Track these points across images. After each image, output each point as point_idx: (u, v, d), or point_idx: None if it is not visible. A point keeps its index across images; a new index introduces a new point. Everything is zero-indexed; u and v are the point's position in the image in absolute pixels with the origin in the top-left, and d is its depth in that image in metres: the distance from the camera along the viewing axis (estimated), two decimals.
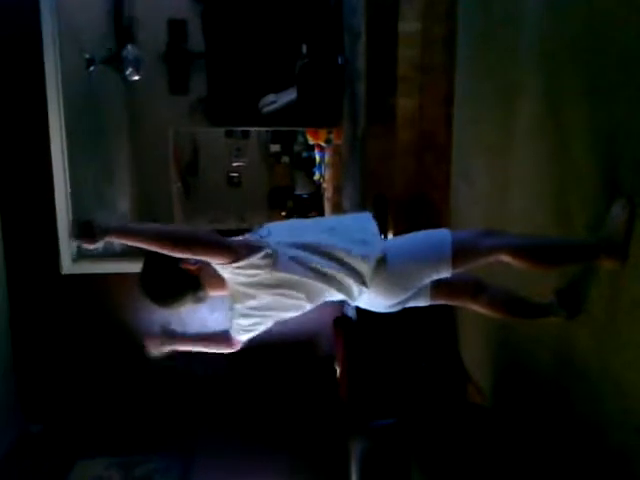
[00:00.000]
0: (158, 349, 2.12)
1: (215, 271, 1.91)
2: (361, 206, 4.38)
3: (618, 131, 1.88)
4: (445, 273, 1.99)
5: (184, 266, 1.92)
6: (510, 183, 2.79)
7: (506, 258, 1.94)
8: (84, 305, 4.39)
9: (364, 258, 1.93)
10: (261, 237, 1.92)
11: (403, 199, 3.98)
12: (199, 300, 2.00)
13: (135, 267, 4.45)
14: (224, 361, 4.47)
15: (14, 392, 4.31)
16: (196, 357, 4.47)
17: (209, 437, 4.12)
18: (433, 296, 2.15)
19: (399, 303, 2.08)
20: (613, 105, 1.91)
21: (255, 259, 1.84)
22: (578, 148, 2.13)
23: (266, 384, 4.45)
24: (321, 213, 9.65)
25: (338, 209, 7.23)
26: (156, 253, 1.91)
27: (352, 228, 2.05)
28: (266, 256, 1.85)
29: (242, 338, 2.09)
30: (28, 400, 4.38)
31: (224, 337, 2.14)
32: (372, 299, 2.05)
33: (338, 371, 3.94)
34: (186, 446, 4.06)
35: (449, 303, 2.30)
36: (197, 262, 1.92)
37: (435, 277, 2.02)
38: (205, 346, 2.19)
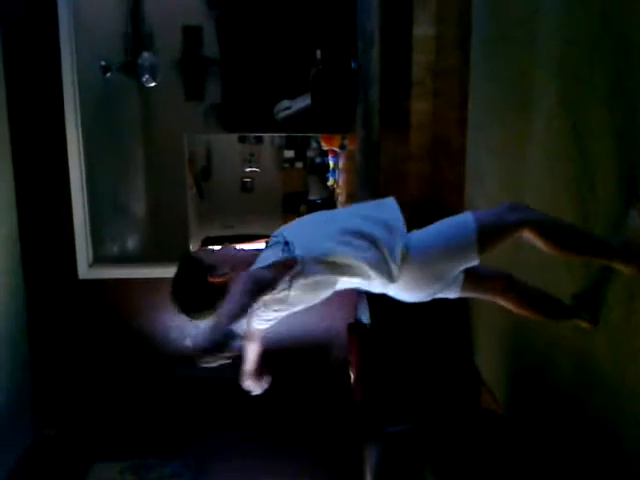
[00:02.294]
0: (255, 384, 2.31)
1: None
2: None
3: (637, 134, 1.87)
4: (473, 259, 1.93)
5: (211, 279, 1.93)
6: (525, 186, 2.78)
7: (530, 235, 1.90)
8: (100, 310, 4.42)
9: (390, 251, 1.89)
10: (284, 251, 1.91)
11: (417, 203, 3.97)
12: None
13: (151, 272, 4.51)
14: (237, 365, 4.50)
15: (30, 396, 4.35)
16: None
17: (223, 441, 4.13)
18: (464, 288, 2.08)
19: (428, 295, 2.03)
20: (632, 108, 1.89)
21: (288, 279, 1.87)
22: (594, 152, 2.11)
23: (280, 389, 4.44)
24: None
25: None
26: (186, 265, 2.00)
27: (375, 218, 2.01)
28: (296, 273, 1.88)
29: (260, 327, 2.11)
30: (44, 404, 4.41)
31: (255, 338, 2.19)
32: (399, 292, 2.02)
33: (352, 377, 3.93)
34: (200, 450, 4.07)
35: (478, 296, 2.24)
36: (223, 274, 1.94)
37: (464, 265, 1.95)
38: (258, 355, 2.28)
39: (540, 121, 2.60)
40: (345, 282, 2.00)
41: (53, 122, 4.16)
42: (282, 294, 1.91)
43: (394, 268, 1.90)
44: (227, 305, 1.71)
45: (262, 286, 1.79)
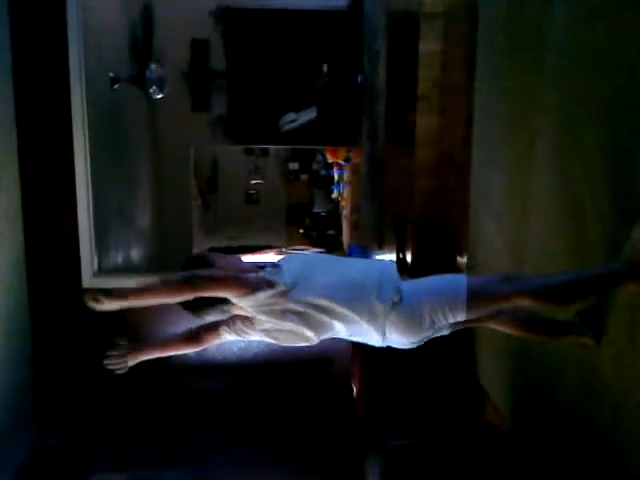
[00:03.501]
0: (123, 363, 2.29)
1: None
2: (379, 224, 4.39)
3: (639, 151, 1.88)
4: (460, 317, 1.98)
5: None
6: (529, 203, 2.78)
7: (527, 303, 1.92)
8: (104, 319, 4.41)
9: (381, 301, 1.96)
10: (271, 273, 2.01)
11: (422, 218, 3.97)
12: (224, 313, 2.05)
13: None
14: (239, 377, 4.50)
15: (31, 405, 4.35)
16: (210, 373, 4.50)
17: (224, 453, 4.11)
18: (455, 326, 2.12)
19: (421, 340, 2.08)
20: (635, 126, 1.90)
21: (270, 293, 1.95)
22: (599, 170, 2.12)
23: (282, 401, 4.44)
24: (339, 231, 9.68)
25: (356, 227, 7.24)
26: (192, 264, 2.04)
27: (367, 270, 2.08)
28: (281, 292, 1.96)
29: (226, 335, 2.15)
30: (45, 413, 4.40)
31: (192, 337, 2.24)
32: (395, 339, 2.06)
33: (355, 390, 3.92)
34: (200, 462, 4.05)
35: (471, 326, 2.28)
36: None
37: (451, 320, 2.00)
38: (174, 350, 2.34)
39: (545, 138, 2.61)
40: (338, 331, 2.05)
41: (60, 131, 4.19)
42: (249, 311, 1.98)
43: (382, 313, 1.96)
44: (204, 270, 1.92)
45: (228, 279, 1.92)
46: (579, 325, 2.15)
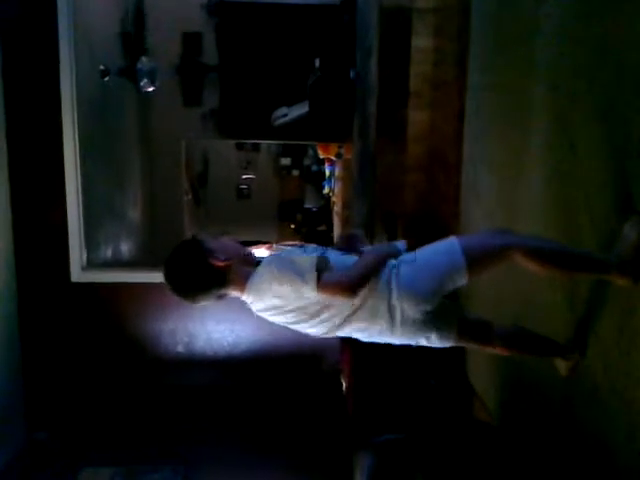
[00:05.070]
0: None
1: (241, 271, 1.94)
2: (370, 221, 4.39)
3: (632, 149, 1.88)
4: (462, 281, 1.94)
5: (212, 261, 1.91)
6: (520, 200, 2.79)
7: (518, 258, 1.92)
8: (92, 313, 4.41)
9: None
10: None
11: (412, 214, 3.98)
12: (220, 297, 1.99)
13: (144, 277, 4.50)
14: (229, 373, 4.50)
15: (21, 399, 4.33)
16: (200, 368, 4.50)
17: (213, 448, 4.11)
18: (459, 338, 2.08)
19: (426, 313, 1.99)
20: (627, 123, 1.91)
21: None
22: (590, 166, 2.13)
23: (271, 397, 4.44)
24: (330, 226, 9.68)
25: (347, 223, 7.24)
26: (187, 245, 1.98)
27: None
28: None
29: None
30: (35, 407, 4.39)
31: None
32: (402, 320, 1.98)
33: (345, 385, 3.92)
34: (190, 457, 4.05)
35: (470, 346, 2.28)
36: (226, 259, 1.92)
37: (451, 287, 1.96)
38: None
39: (536, 135, 2.62)
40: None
41: (50, 124, 4.16)
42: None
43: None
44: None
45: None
46: (565, 346, 2.19)
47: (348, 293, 1.86)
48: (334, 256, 1.98)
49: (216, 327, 4.48)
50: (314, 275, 1.84)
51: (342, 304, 1.91)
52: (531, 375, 2.69)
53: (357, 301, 1.91)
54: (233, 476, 3.84)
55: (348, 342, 3.86)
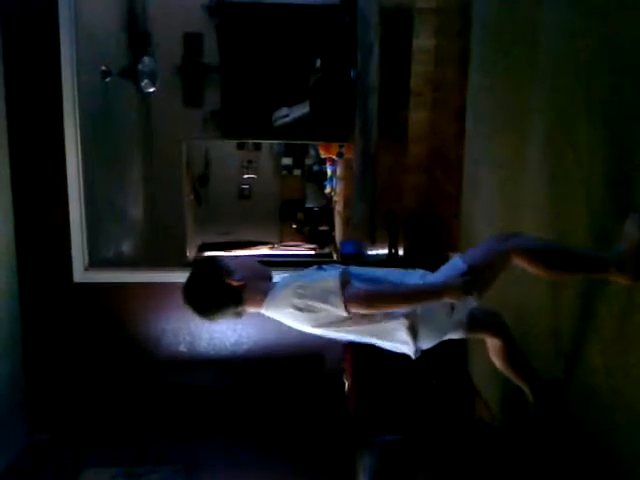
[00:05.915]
0: None
1: (257, 289, 1.96)
2: (371, 220, 4.39)
3: (633, 148, 1.88)
4: (472, 301, 1.95)
5: (228, 281, 1.95)
6: (521, 200, 2.79)
7: (520, 261, 1.91)
8: (94, 314, 4.41)
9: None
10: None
11: (414, 214, 3.98)
12: (237, 315, 2.01)
13: (147, 277, 4.50)
14: (232, 373, 4.50)
15: (22, 400, 4.33)
16: (202, 368, 4.50)
17: (215, 449, 4.11)
18: (469, 331, 2.14)
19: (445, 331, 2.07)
20: (628, 123, 1.91)
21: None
22: (591, 165, 2.13)
23: (273, 397, 4.44)
24: (331, 226, 9.69)
25: (348, 222, 7.24)
26: (203, 265, 2.03)
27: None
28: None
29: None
30: (36, 408, 4.39)
31: None
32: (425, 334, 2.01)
33: (346, 385, 3.92)
34: (191, 457, 4.05)
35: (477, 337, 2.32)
36: (241, 279, 1.95)
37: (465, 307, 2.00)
38: None
39: (537, 135, 2.62)
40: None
41: (52, 125, 4.16)
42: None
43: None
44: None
45: None
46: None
47: (378, 308, 1.87)
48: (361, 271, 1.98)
49: (218, 327, 4.48)
50: (340, 296, 1.81)
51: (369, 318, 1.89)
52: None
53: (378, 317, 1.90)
54: (234, 476, 3.84)
55: (350, 343, 3.86)
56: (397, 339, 1.98)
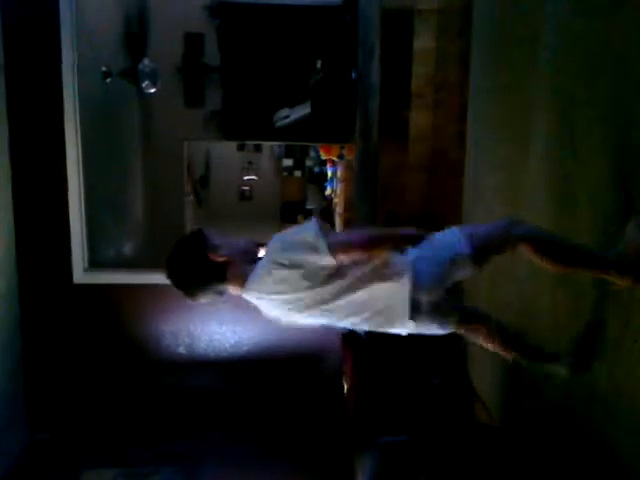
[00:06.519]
0: None
1: (241, 269, 1.92)
2: (373, 221, 4.39)
3: (633, 150, 1.88)
4: (470, 270, 1.94)
5: (212, 256, 1.91)
6: (523, 200, 2.79)
7: (525, 250, 1.91)
8: (94, 315, 4.41)
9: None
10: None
11: (415, 215, 3.97)
12: (219, 294, 1.98)
13: (146, 278, 4.50)
14: (231, 374, 4.49)
15: (23, 400, 4.33)
16: (201, 370, 4.50)
17: (216, 450, 4.11)
18: (459, 326, 2.08)
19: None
20: (629, 123, 1.91)
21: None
22: (592, 166, 2.12)
23: (273, 398, 4.44)
24: (332, 228, 9.68)
25: (349, 225, 7.24)
26: (186, 240, 1.97)
27: None
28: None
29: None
30: (36, 409, 4.39)
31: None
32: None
33: (346, 387, 3.92)
34: (192, 458, 4.04)
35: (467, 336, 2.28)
36: (226, 254, 1.92)
37: (462, 273, 1.96)
38: None
39: (538, 135, 2.62)
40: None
41: (52, 126, 4.17)
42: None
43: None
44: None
45: None
46: (559, 356, 2.19)
47: (361, 247, 1.83)
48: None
49: (218, 329, 4.48)
50: (323, 241, 1.79)
51: (356, 268, 1.85)
52: (534, 376, 2.68)
53: (376, 260, 1.87)
54: (235, 477, 3.83)
55: (349, 343, 3.85)
56: (394, 303, 1.91)
